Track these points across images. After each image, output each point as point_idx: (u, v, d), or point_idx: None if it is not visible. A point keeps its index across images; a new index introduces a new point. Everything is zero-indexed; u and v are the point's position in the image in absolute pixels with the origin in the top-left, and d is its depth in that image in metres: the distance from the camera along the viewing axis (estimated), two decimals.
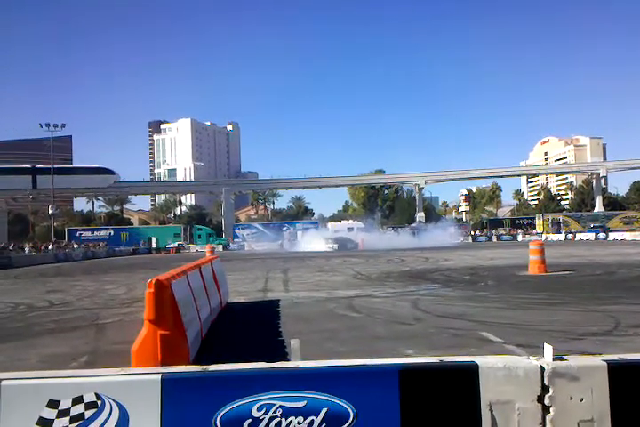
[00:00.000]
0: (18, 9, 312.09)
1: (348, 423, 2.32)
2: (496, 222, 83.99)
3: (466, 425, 2.39)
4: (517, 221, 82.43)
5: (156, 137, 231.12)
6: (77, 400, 2.34)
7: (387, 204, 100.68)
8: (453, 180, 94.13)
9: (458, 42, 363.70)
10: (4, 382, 2.35)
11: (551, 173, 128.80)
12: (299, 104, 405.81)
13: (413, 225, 74.80)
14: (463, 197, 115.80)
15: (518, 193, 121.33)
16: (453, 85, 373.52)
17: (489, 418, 2.39)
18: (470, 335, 6.72)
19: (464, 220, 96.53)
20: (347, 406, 2.33)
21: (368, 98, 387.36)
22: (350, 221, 71.25)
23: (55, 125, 60.52)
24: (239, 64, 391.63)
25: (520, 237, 66.09)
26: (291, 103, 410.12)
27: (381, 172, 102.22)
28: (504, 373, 2.43)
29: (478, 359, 2.50)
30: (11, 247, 45.27)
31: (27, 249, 45.62)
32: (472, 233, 71.18)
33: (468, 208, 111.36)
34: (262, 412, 2.31)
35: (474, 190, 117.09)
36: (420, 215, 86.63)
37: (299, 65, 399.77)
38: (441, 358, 2.56)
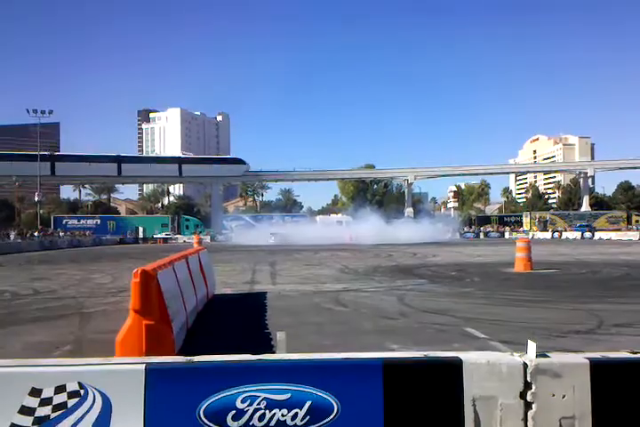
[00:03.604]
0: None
1: (331, 416, 2.32)
2: (484, 219, 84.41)
3: (448, 420, 2.40)
4: (505, 219, 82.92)
5: (144, 126, 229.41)
6: (60, 389, 2.32)
7: (376, 198, 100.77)
8: (443, 176, 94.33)
9: (450, 42, 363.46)
10: None
11: (539, 172, 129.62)
12: (290, 98, 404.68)
13: (402, 220, 74.92)
14: (452, 194, 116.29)
15: (506, 191, 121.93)
16: (445, 83, 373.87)
17: (472, 413, 2.41)
18: (455, 331, 6.77)
19: (452, 216, 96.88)
20: (331, 399, 2.34)
21: (360, 93, 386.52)
22: (339, 215, 71.25)
23: (42, 112, 59.91)
24: (232, 57, 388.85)
25: (507, 235, 66.51)
26: (282, 97, 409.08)
27: (371, 166, 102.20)
28: (487, 369, 2.45)
29: (462, 355, 2.51)
30: None
31: (12, 236, 45.16)
32: (462, 230, 71.41)
33: (456, 204, 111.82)
34: (247, 404, 2.31)
35: (463, 187, 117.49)
36: (409, 211, 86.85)
37: (290, 60, 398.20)
38: (425, 353, 2.57)
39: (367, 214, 58.10)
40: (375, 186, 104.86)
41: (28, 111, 59.43)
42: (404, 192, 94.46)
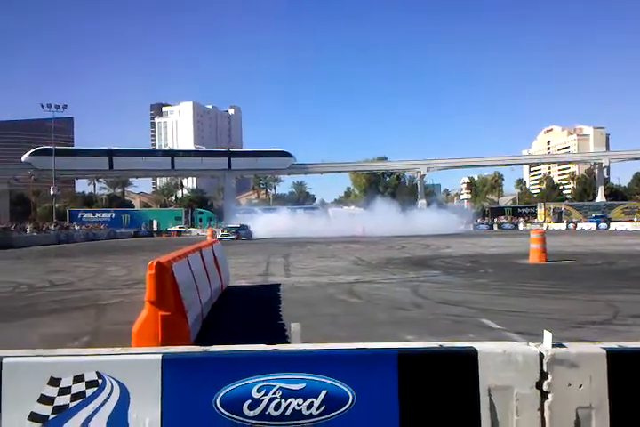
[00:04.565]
0: None
1: (347, 406, 2.33)
2: (497, 211, 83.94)
3: (464, 410, 2.40)
4: (519, 210, 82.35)
5: (157, 120, 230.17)
6: (78, 378, 2.34)
7: (388, 191, 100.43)
8: (456, 167, 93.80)
9: (462, 32, 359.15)
10: (5, 360, 2.35)
11: (554, 163, 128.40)
12: (301, 91, 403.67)
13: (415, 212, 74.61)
14: (465, 185, 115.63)
15: (520, 182, 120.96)
16: (457, 74, 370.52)
17: (487, 403, 2.40)
18: (470, 322, 6.75)
19: (465, 207, 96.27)
20: (346, 389, 2.34)
21: (371, 85, 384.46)
22: (352, 208, 71.22)
23: (57, 106, 60.24)
24: (240, 51, 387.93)
25: (521, 226, 66.05)
26: (293, 89, 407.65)
27: (384, 158, 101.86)
28: (503, 359, 2.44)
29: (478, 345, 2.50)
30: (13, 228, 45.32)
31: (28, 230, 45.63)
32: (475, 222, 71.00)
33: (469, 196, 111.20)
34: (262, 393, 2.32)
35: (476, 179, 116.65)
36: (422, 202, 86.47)
37: (297, 54, 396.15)
38: (440, 344, 2.56)
39: (379, 207, 57.90)
40: (387, 178, 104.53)
41: (42, 106, 59.75)
42: (416, 184, 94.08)
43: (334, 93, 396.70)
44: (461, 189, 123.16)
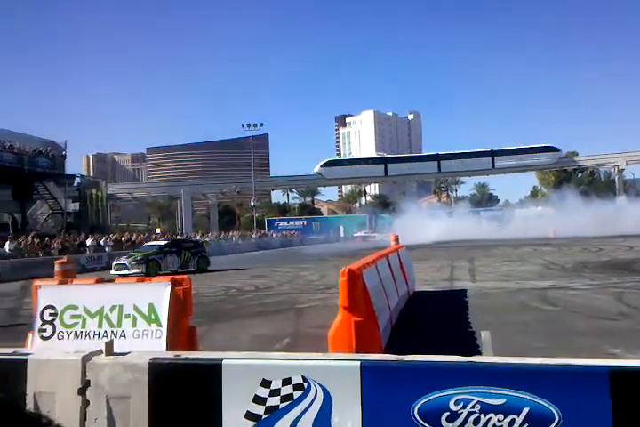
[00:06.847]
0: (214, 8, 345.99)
1: (552, 426, 2.21)
2: None
3: None
4: None
5: (341, 130, 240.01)
6: (286, 381, 2.54)
7: (581, 188, 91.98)
8: None
9: None
10: (224, 362, 2.64)
11: None
12: (477, 90, 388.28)
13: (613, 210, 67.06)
14: None
15: None
16: None
17: None
18: None
19: None
20: (551, 408, 2.21)
21: (549, 82, 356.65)
22: (539, 208, 66.65)
23: (255, 125, 66.29)
24: (424, 53, 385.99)
25: None
26: (470, 89, 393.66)
27: (574, 154, 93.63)
28: None
29: None
30: (221, 236, 50.58)
31: (234, 238, 50.42)
32: None
33: None
34: (460, 406, 2.29)
35: None
36: (621, 199, 77.35)
37: (476, 53, 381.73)
38: None
39: (571, 206, 53.20)
40: (579, 174, 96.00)
41: (242, 126, 66.28)
42: (613, 180, 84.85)
43: (501, 93, 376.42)
44: None
